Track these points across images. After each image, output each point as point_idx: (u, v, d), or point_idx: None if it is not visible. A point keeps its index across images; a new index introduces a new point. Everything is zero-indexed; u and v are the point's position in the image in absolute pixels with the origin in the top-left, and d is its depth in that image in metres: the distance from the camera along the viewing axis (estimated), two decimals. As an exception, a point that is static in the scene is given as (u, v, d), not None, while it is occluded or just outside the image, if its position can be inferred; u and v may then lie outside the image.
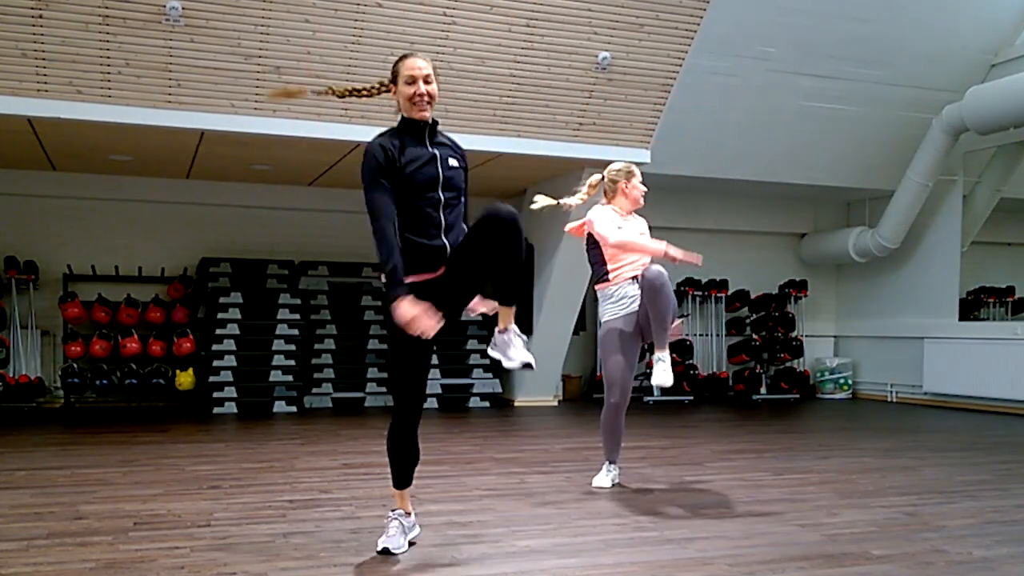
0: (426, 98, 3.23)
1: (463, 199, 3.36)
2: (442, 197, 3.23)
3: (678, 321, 4.78)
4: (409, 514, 3.46)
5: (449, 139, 3.40)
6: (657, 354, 4.58)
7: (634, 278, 4.61)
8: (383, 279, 3.11)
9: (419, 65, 3.24)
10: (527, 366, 3.28)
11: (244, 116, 6.93)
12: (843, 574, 3.16)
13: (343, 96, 3.40)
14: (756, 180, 9.67)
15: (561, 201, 4.65)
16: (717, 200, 10.68)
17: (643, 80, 7.76)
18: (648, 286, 4.44)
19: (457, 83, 7.24)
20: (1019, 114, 8.48)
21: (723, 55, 8.42)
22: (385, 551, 3.30)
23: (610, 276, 4.65)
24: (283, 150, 7.70)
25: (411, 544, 3.42)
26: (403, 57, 3.30)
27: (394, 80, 3.29)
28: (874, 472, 5.33)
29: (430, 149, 3.27)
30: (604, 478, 4.80)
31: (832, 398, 10.95)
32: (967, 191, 10.42)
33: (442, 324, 3.07)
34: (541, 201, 4.51)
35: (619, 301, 4.64)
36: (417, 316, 2.98)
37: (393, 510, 3.44)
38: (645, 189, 4.80)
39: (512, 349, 3.32)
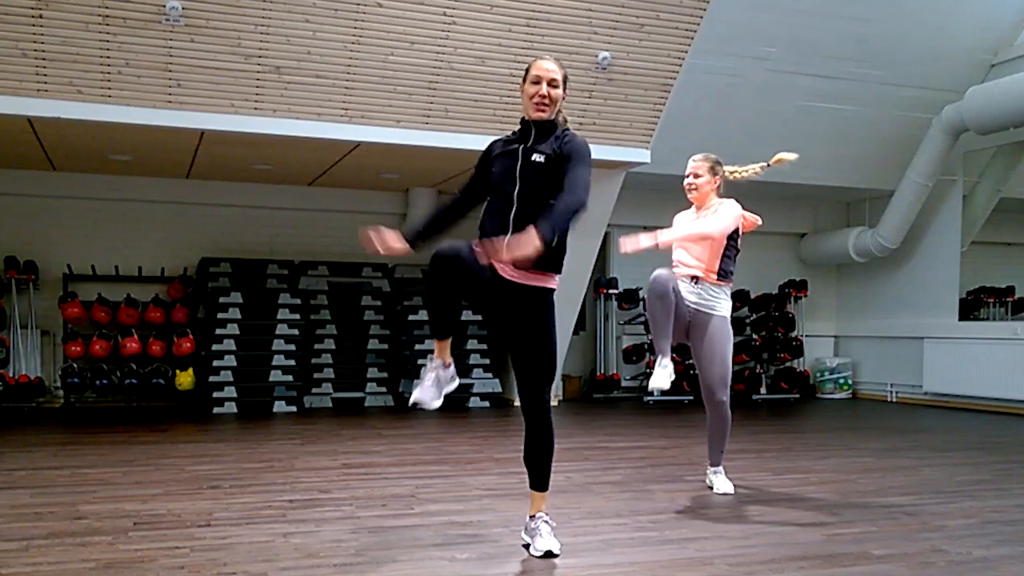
0: (546, 100, 3.28)
1: (550, 192, 3.23)
2: (516, 189, 3.26)
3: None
4: (448, 365, 3.37)
5: (559, 135, 3.31)
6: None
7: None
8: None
9: (547, 67, 3.31)
10: (549, 554, 3.30)
11: (244, 116, 6.92)
12: (843, 574, 3.16)
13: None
14: (756, 180, 9.62)
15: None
16: (717, 200, 10.66)
17: (643, 80, 7.75)
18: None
19: (457, 83, 7.24)
20: (1019, 114, 8.48)
21: (723, 55, 8.41)
22: (414, 404, 3.33)
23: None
24: (283, 150, 7.70)
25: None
26: (537, 59, 3.38)
27: (524, 78, 3.35)
28: (874, 472, 5.33)
29: (526, 144, 3.30)
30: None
31: (832, 398, 10.94)
32: (967, 191, 10.41)
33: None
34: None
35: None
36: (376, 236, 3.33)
37: (432, 360, 3.38)
38: (689, 173, 5.03)
39: (539, 538, 3.34)
